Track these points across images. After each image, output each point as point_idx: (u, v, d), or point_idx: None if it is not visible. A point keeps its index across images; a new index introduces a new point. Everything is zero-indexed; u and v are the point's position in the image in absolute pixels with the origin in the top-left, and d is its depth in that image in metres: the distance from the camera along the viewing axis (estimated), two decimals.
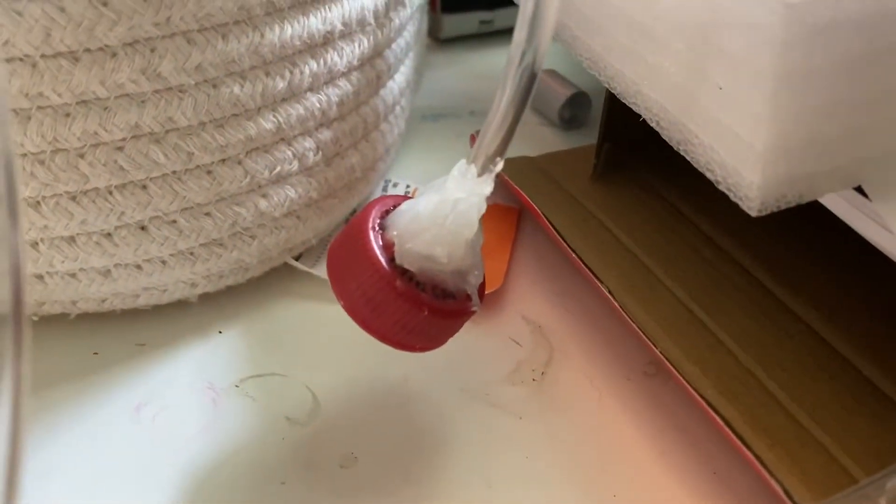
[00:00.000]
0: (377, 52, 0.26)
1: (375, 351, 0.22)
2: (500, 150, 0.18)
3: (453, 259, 0.19)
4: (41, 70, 0.19)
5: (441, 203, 0.19)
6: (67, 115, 0.20)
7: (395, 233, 0.19)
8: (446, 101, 0.38)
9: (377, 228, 0.19)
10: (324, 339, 0.25)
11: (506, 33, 0.43)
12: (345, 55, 0.24)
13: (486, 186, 0.19)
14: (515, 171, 0.30)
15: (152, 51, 0.20)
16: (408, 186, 0.31)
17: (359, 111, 0.26)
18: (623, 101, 0.23)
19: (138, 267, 0.23)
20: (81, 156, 0.20)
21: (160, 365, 0.24)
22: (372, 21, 0.25)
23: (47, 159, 0.20)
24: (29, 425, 0.22)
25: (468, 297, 0.20)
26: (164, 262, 0.23)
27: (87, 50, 0.19)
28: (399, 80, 0.30)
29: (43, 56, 0.19)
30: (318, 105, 0.24)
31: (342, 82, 0.25)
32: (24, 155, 0.20)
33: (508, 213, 0.31)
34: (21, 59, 0.19)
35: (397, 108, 0.30)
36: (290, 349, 0.25)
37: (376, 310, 0.19)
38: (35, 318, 0.24)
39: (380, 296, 0.19)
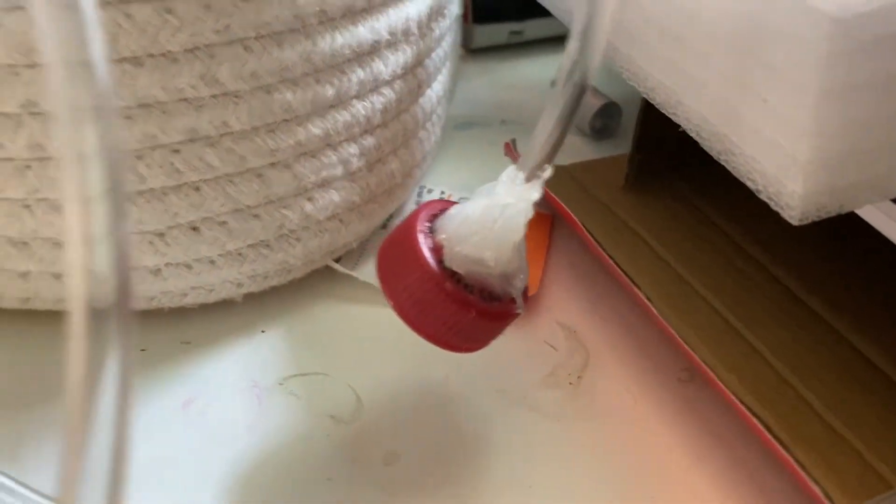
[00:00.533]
0: (419, 62, 0.27)
1: (414, 352, 0.22)
2: (549, 158, 0.19)
3: (500, 262, 0.19)
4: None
5: (490, 208, 0.19)
6: (129, 117, 0.20)
7: (444, 236, 0.20)
8: (478, 110, 0.39)
9: (426, 231, 0.20)
10: (364, 339, 0.26)
11: (535, 44, 0.44)
12: (389, 64, 0.25)
13: (535, 192, 0.19)
14: (549, 179, 0.31)
15: (211, 57, 0.20)
16: (442, 192, 0.32)
17: (400, 118, 0.27)
18: (663, 111, 0.24)
19: (188, 266, 0.24)
20: (140, 157, 0.21)
21: (206, 362, 0.25)
22: (415, 31, 0.26)
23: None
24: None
25: (513, 300, 0.20)
26: (212, 262, 0.24)
27: (151, 55, 0.20)
28: (437, 88, 0.30)
29: (108, 61, 0.19)
30: (363, 112, 0.25)
31: (386, 90, 0.26)
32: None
33: (542, 220, 0.31)
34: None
35: (434, 116, 0.31)
36: (332, 349, 0.25)
37: (425, 310, 0.20)
38: None
39: (429, 297, 0.19)
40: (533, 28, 0.43)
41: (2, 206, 0.21)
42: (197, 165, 0.22)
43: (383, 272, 0.20)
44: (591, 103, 0.35)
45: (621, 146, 0.35)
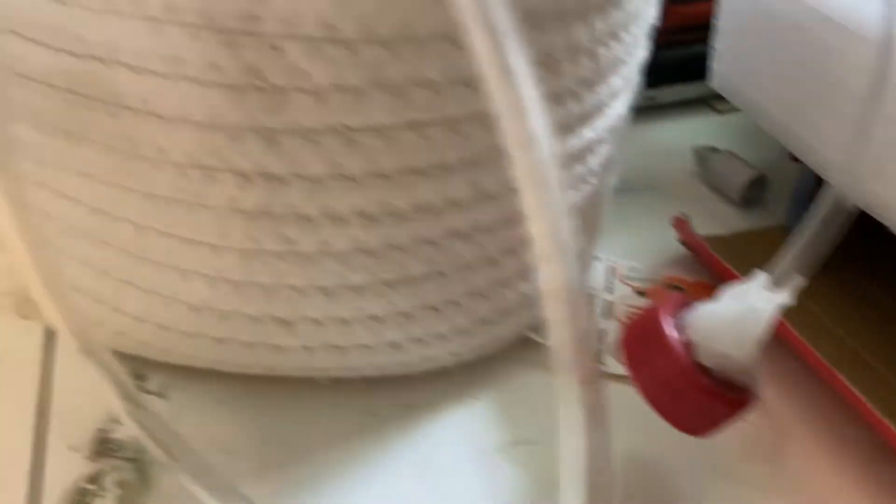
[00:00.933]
0: (615, 150, 0.29)
1: (618, 422, 0.24)
2: (802, 268, 0.21)
3: (745, 359, 0.22)
4: (394, 182, 0.22)
5: (741, 310, 0.21)
6: (406, 219, 0.23)
7: (693, 331, 0.22)
8: (622, 175, 0.41)
9: (674, 326, 0.22)
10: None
11: (666, 108, 0.46)
12: (599, 156, 0.27)
13: (783, 299, 0.21)
14: (718, 249, 0.33)
15: (480, 167, 0.23)
16: (610, 260, 0.34)
17: (595, 200, 0.29)
18: (855, 207, 0.26)
19: (423, 341, 0.26)
20: (407, 252, 0.23)
21: (429, 427, 0.27)
22: (620, 124, 0.28)
23: (379, 253, 0.23)
24: (329, 479, 0.26)
25: (752, 392, 0.22)
26: (444, 337, 0.26)
27: (434, 166, 0.22)
28: (614, 165, 0.32)
29: (399, 171, 0.22)
30: (576, 200, 0.27)
31: (593, 179, 0.28)
32: (364, 250, 0.23)
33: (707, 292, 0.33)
34: (384, 176, 0.22)
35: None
36: (540, 417, 0.28)
37: (675, 399, 0.22)
38: (324, 382, 0.28)
39: (681, 387, 0.22)
40: (665, 94, 0.45)
41: (283, 291, 0.24)
42: (451, 257, 0.24)
43: (632, 360, 0.23)
44: (743, 174, 0.37)
45: (770, 216, 0.37)
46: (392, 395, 0.28)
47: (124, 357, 0.28)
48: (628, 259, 0.35)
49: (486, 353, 0.29)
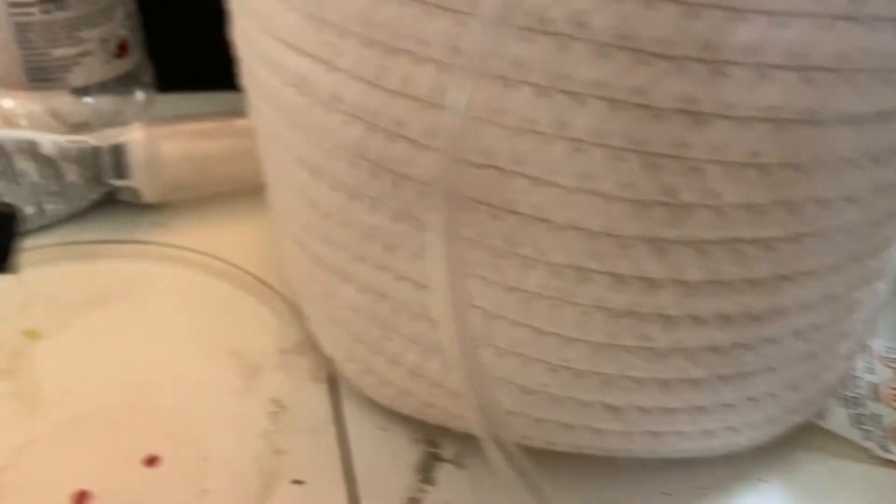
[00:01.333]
0: None
1: None
2: None
3: None
4: (762, 287, 0.23)
5: None
6: (759, 320, 0.24)
7: None
8: None
9: None
10: (855, 498, 0.28)
11: None
12: None
13: None
14: None
15: (837, 272, 0.23)
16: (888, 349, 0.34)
17: None
18: None
19: (735, 429, 0.27)
20: (751, 349, 0.24)
21: None
22: None
23: (725, 350, 0.24)
24: None
25: None
26: (754, 426, 0.27)
27: (802, 272, 0.23)
28: None
29: (769, 277, 0.23)
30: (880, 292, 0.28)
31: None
32: (713, 348, 0.24)
33: None
34: (753, 282, 0.23)
35: None
36: (831, 502, 0.28)
37: None
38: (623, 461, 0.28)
39: None
40: None
41: (622, 381, 0.25)
42: (784, 354, 0.25)
43: None
44: None
45: None
46: (685, 477, 0.29)
47: (422, 425, 0.30)
48: (881, 338, 0.35)
49: (777, 438, 0.29)
